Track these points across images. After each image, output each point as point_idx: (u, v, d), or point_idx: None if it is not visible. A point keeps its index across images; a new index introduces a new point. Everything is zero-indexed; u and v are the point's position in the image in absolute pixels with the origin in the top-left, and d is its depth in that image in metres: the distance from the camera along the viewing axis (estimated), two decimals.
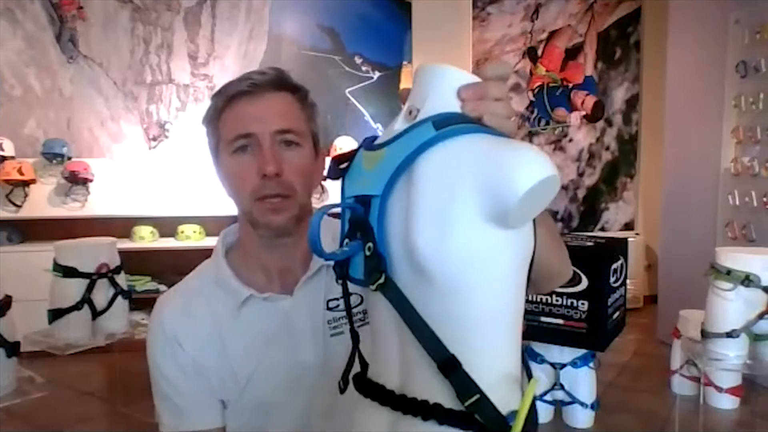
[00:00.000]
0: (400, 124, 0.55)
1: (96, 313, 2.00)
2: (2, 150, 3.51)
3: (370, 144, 0.58)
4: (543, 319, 2.28)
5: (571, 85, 4.49)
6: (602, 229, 4.64)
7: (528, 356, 2.40)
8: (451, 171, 0.48)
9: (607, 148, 4.59)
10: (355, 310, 0.76)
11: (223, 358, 0.85)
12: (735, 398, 2.58)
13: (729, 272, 1.71)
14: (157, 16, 3.94)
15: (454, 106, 0.53)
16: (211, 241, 3.60)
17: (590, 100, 4.49)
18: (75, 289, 1.94)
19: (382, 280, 0.51)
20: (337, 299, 0.86)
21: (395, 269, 0.52)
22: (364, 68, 4.30)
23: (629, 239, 2.79)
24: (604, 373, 2.61)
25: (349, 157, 0.61)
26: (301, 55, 4.16)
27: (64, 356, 1.96)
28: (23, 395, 1.65)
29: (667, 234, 3.65)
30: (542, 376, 2.40)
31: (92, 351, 2.04)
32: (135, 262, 3.21)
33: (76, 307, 1.94)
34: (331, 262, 0.64)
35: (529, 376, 0.55)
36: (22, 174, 3.44)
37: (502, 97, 0.53)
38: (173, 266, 3.57)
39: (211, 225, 3.74)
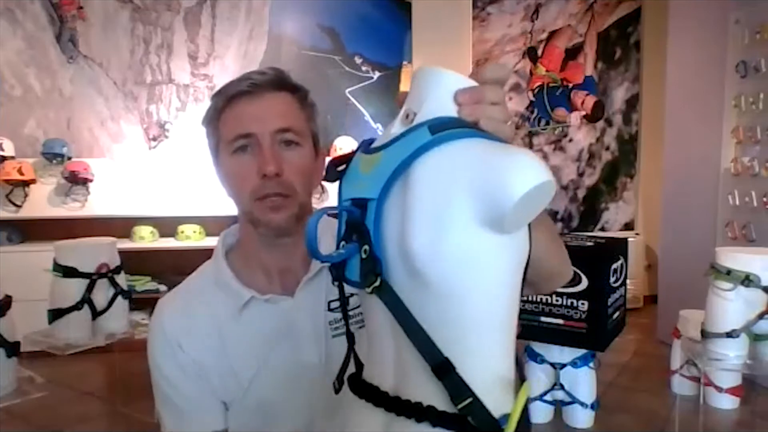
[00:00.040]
0: (396, 128, 0.55)
1: (96, 313, 2.00)
2: (2, 150, 3.52)
3: (367, 147, 0.58)
4: (543, 319, 2.28)
5: (571, 85, 4.49)
6: (602, 229, 4.64)
7: (528, 356, 2.41)
8: (447, 175, 0.48)
9: (607, 148, 4.59)
10: (354, 312, 0.76)
11: (224, 360, 0.85)
12: (735, 398, 2.58)
13: (729, 272, 1.71)
14: (157, 16, 3.94)
15: (450, 110, 0.53)
16: (211, 241, 3.60)
17: (590, 100, 4.50)
18: (75, 289, 1.94)
19: (377, 283, 0.51)
20: (338, 300, 0.86)
21: (391, 272, 0.52)
22: (364, 68, 4.30)
23: (629, 239, 2.79)
24: (604, 373, 2.61)
25: (347, 159, 0.61)
26: (301, 55, 4.16)
27: (64, 356, 1.96)
28: (23, 395, 1.65)
29: (667, 234, 3.65)
30: (542, 376, 2.40)
31: (92, 351, 2.04)
32: (135, 262, 3.21)
33: (76, 307, 1.94)
34: None
35: (522, 379, 0.55)
36: (22, 174, 3.44)
37: (498, 101, 0.53)
38: (173, 266, 3.57)
39: (211, 225, 3.74)
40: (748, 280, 1.67)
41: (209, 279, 0.89)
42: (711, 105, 3.17)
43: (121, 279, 2.08)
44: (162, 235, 3.77)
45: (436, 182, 0.49)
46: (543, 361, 2.38)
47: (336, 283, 0.61)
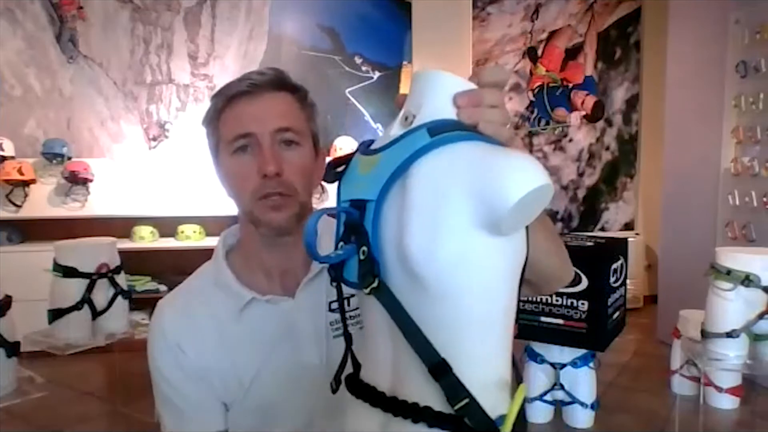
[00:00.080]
0: (395, 130, 0.56)
1: (96, 313, 2.00)
2: (2, 150, 3.52)
3: (366, 149, 0.58)
4: (543, 319, 2.28)
5: (571, 85, 4.49)
6: (602, 229, 4.64)
7: (528, 356, 2.41)
8: (445, 178, 0.48)
9: (607, 148, 4.60)
10: (354, 312, 0.76)
11: (225, 361, 0.85)
12: (735, 398, 2.58)
13: (729, 272, 1.71)
14: (157, 16, 3.94)
15: (449, 113, 0.53)
16: (211, 241, 3.60)
17: (590, 100, 4.50)
18: (75, 289, 1.95)
19: (375, 284, 0.52)
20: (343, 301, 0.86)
21: (389, 273, 0.52)
22: (364, 68, 4.30)
23: (629, 239, 2.80)
24: (604, 373, 2.61)
25: (346, 161, 0.61)
26: (301, 55, 4.16)
27: (64, 356, 1.96)
28: (23, 395, 1.65)
29: (667, 234, 3.65)
30: (542, 376, 2.40)
31: (92, 351, 2.04)
32: (135, 262, 3.21)
33: (76, 307, 1.94)
34: None
35: (519, 380, 0.55)
36: (22, 174, 3.44)
37: (497, 104, 0.53)
38: (173, 266, 3.57)
39: (211, 225, 3.74)
40: (748, 280, 1.67)
41: (209, 279, 0.89)
42: (711, 105, 3.17)
43: (121, 279, 2.08)
44: (162, 235, 3.77)
45: (434, 184, 0.49)
46: (543, 361, 2.38)
47: (334, 284, 0.61)
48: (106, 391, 2.92)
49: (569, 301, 2.22)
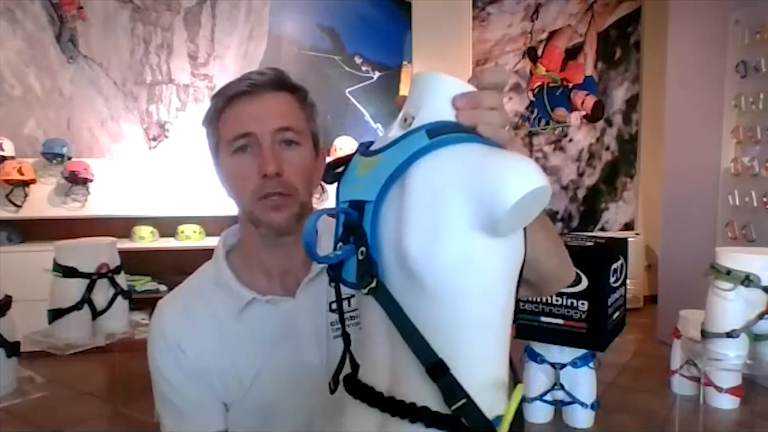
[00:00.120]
0: (395, 131, 0.56)
1: (96, 313, 2.00)
2: (2, 150, 3.52)
3: (365, 150, 0.58)
4: (543, 319, 2.28)
5: (571, 85, 4.49)
6: (602, 229, 4.64)
7: (528, 356, 2.41)
8: (443, 179, 0.49)
9: (607, 148, 4.60)
10: (354, 313, 0.76)
11: (225, 361, 0.85)
12: (735, 398, 2.58)
13: (729, 272, 1.71)
14: (157, 16, 3.94)
15: (448, 115, 0.53)
16: (211, 241, 3.60)
17: (590, 100, 4.50)
18: (75, 289, 1.94)
19: (373, 285, 0.52)
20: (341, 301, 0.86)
21: (387, 274, 0.52)
22: (364, 68, 4.30)
23: (629, 239, 2.80)
24: (604, 373, 2.61)
25: (345, 161, 0.61)
26: (301, 55, 4.16)
27: (64, 356, 1.96)
28: (23, 395, 1.65)
29: (667, 234, 3.65)
30: (542, 376, 2.40)
31: (92, 351, 2.04)
32: (135, 262, 3.21)
33: (76, 307, 1.94)
34: None
35: (516, 381, 0.55)
36: (22, 174, 3.44)
37: (496, 106, 0.54)
38: (173, 266, 3.57)
39: (211, 225, 3.74)
40: (748, 280, 1.67)
41: (209, 280, 0.89)
42: (711, 105, 3.17)
43: (121, 279, 2.08)
44: (162, 235, 3.77)
45: (432, 186, 0.49)
46: (543, 361, 2.38)
47: (333, 284, 0.61)
48: (106, 391, 2.92)
49: (569, 301, 2.22)
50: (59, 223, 3.47)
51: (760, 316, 1.67)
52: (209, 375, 0.85)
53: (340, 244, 0.56)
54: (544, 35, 4.45)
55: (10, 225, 3.53)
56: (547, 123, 4.51)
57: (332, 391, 0.65)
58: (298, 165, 0.82)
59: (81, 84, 3.83)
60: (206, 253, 0.93)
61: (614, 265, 2.29)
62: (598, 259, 2.22)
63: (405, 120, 0.55)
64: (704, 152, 3.24)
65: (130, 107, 3.93)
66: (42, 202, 3.61)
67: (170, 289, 0.95)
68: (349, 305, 0.78)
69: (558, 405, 2.44)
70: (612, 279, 2.26)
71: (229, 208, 0.86)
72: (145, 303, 2.97)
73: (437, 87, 0.55)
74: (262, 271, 0.88)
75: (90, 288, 1.96)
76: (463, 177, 0.48)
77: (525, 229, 0.53)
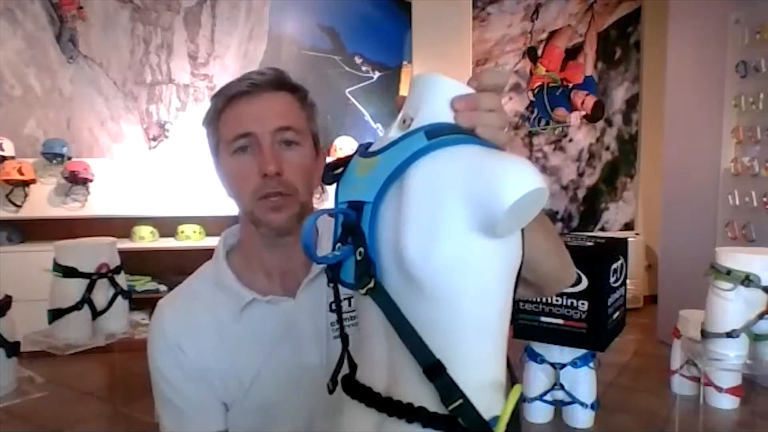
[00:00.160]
0: (393, 133, 0.56)
1: (96, 313, 2.00)
2: (2, 150, 3.52)
3: (364, 151, 0.58)
4: (543, 319, 2.28)
5: (571, 85, 4.49)
6: (602, 229, 4.64)
7: (528, 356, 2.41)
8: (441, 181, 0.49)
9: (607, 148, 4.60)
10: (354, 313, 0.76)
11: (225, 361, 0.85)
12: (735, 398, 2.58)
13: (729, 272, 1.71)
14: (157, 16, 3.94)
15: (447, 116, 0.54)
16: (211, 241, 3.60)
17: (590, 100, 4.50)
18: (75, 289, 1.95)
19: (371, 285, 0.52)
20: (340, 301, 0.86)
21: (385, 274, 0.53)
22: (364, 68, 4.30)
23: (629, 239, 2.80)
24: (604, 373, 2.61)
25: (344, 163, 0.62)
26: (301, 55, 4.16)
27: (64, 356, 1.96)
28: (23, 395, 1.65)
29: (667, 234, 3.65)
30: (542, 376, 2.41)
31: (92, 351, 2.04)
32: (135, 262, 3.21)
33: (76, 307, 1.94)
34: None
35: (514, 382, 0.55)
36: (22, 174, 3.44)
37: (495, 108, 0.54)
38: (173, 266, 3.57)
39: (211, 225, 3.74)
40: (748, 280, 1.67)
41: (209, 280, 0.89)
42: (711, 105, 3.17)
43: (121, 279, 2.08)
44: (162, 235, 3.77)
45: (430, 187, 0.49)
46: (543, 361, 2.38)
47: (331, 284, 0.61)
48: (106, 391, 2.92)
49: (569, 301, 2.22)
50: (59, 223, 3.47)
51: (760, 316, 1.67)
52: (209, 375, 0.85)
53: (339, 244, 0.57)
54: (544, 35, 4.45)
55: (10, 225, 3.53)
56: (547, 123, 4.51)
57: (331, 392, 0.65)
58: (299, 165, 0.82)
59: (81, 84, 3.83)
60: (206, 253, 0.93)
61: (614, 265, 2.29)
62: (598, 259, 2.22)
63: (404, 121, 0.56)
64: (704, 152, 3.24)
65: (130, 107, 3.93)
66: (42, 202, 3.61)
67: (170, 289, 0.95)
68: (350, 305, 0.78)
69: (558, 405, 2.44)
70: (612, 279, 2.26)
71: (229, 208, 0.86)
72: (145, 303, 2.97)
73: (436, 89, 0.55)
74: (262, 271, 0.88)
75: (90, 288, 1.96)
76: (461, 178, 0.48)
77: (523, 230, 0.54)
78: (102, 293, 2.01)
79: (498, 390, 0.53)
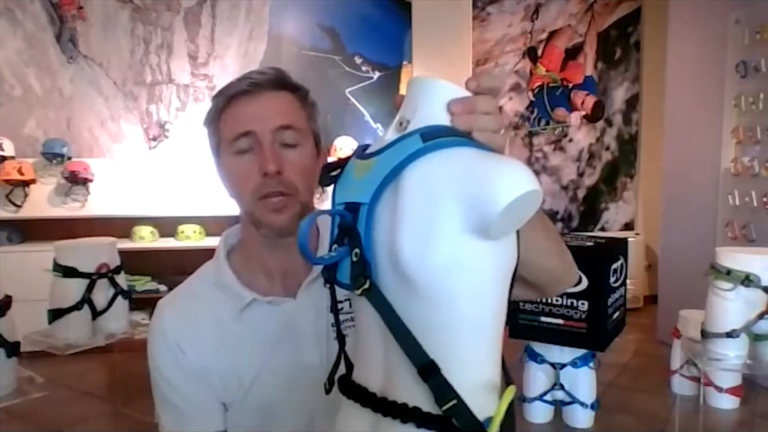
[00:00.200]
0: (390, 135, 0.57)
1: (96, 313, 2.00)
2: (2, 150, 3.52)
3: (361, 153, 0.59)
4: (543, 319, 2.28)
5: (571, 85, 4.49)
6: (602, 229, 4.64)
7: (528, 356, 2.41)
8: (436, 183, 0.49)
9: (607, 148, 4.60)
10: (354, 314, 0.76)
11: (225, 361, 0.84)
12: (735, 398, 2.58)
13: (729, 272, 1.71)
14: (157, 16, 3.94)
15: (443, 119, 0.54)
16: (210, 241, 3.61)
17: (590, 100, 4.50)
18: (75, 289, 1.95)
19: (366, 286, 0.52)
20: (341, 302, 0.86)
21: (380, 275, 0.53)
22: (364, 68, 4.30)
23: (629, 239, 2.80)
24: (604, 373, 2.61)
25: (341, 164, 0.62)
26: (301, 55, 4.16)
27: (64, 356, 1.96)
28: (23, 395, 1.65)
29: (667, 234, 3.66)
30: (542, 376, 2.41)
31: (92, 351, 2.04)
32: (135, 262, 3.21)
33: (76, 307, 1.94)
34: None
35: (508, 383, 0.56)
36: (22, 174, 3.44)
37: (491, 111, 0.54)
38: (173, 266, 3.57)
39: (211, 225, 3.74)
40: (748, 280, 1.67)
41: (210, 280, 0.89)
42: (711, 105, 3.17)
43: (121, 279, 2.09)
44: (162, 235, 3.77)
45: (425, 189, 0.50)
46: (543, 361, 2.38)
47: (328, 285, 0.62)
48: (106, 391, 2.92)
49: (569, 301, 2.22)
50: (59, 223, 3.47)
51: (760, 316, 1.67)
52: (209, 375, 0.85)
53: (335, 245, 0.57)
54: (544, 35, 4.45)
55: (10, 225, 3.53)
56: (547, 123, 4.51)
57: (327, 391, 0.65)
58: (299, 164, 0.82)
59: (81, 84, 3.83)
60: (206, 253, 0.93)
61: (614, 265, 2.29)
62: (598, 259, 2.22)
63: (400, 124, 0.56)
64: (704, 152, 3.24)
65: (130, 107, 3.94)
66: (42, 202, 3.61)
67: (170, 289, 0.95)
68: (350, 306, 0.78)
69: (558, 405, 2.44)
70: (612, 279, 2.26)
71: (230, 208, 0.86)
72: (145, 303, 2.97)
73: (432, 92, 0.55)
74: (263, 271, 0.88)
75: (90, 288, 1.96)
76: (456, 180, 0.48)
77: (518, 231, 0.54)
78: (102, 293, 2.01)
79: (492, 391, 0.53)
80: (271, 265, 0.87)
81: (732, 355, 1.72)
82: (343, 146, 3.94)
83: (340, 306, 0.84)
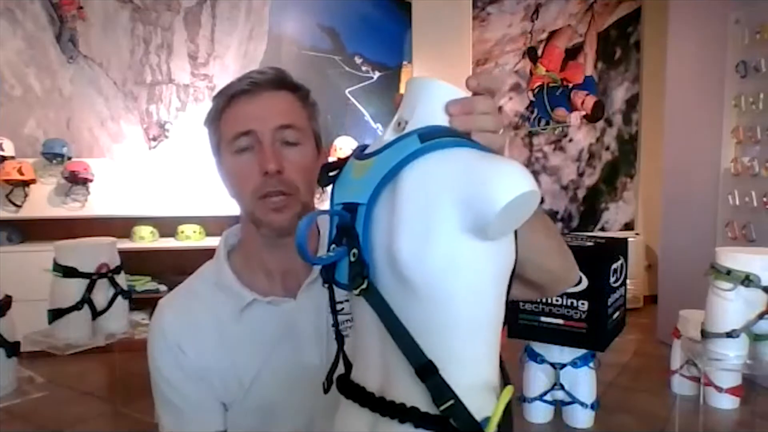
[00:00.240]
0: (388, 135, 0.57)
1: (96, 313, 2.00)
2: (2, 150, 3.52)
3: (360, 153, 0.59)
4: (543, 319, 2.28)
5: (571, 85, 4.49)
6: (602, 229, 4.64)
7: (528, 356, 2.41)
8: (434, 183, 0.49)
9: (607, 148, 4.60)
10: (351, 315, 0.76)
11: (225, 361, 0.84)
12: (735, 398, 2.58)
13: (729, 272, 1.71)
14: (157, 16, 3.94)
15: (441, 120, 0.54)
16: (210, 241, 3.61)
17: (590, 100, 4.50)
18: (75, 289, 1.95)
19: (364, 286, 0.52)
20: (341, 302, 0.86)
21: (378, 275, 0.53)
22: (364, 68, 4.30)
23: (629, 239, 2.80)
24: (604, 373, 2.61)
25: (339, 165, 0.62)
26: (301, 55, 4.16)
27: (64, 356, 1.96)
28: (23, 395, 1.66)
29: (667, 234, 3.66)
30: (542, 376, 2.41)
31: (92, 351, 2.05)
32: (135, 262, 3.21)
33: (76, 307, 1.94)
34: None
35: (506, 383, 0.56)
36: (22, 174, 3.44)
37: (489, 111, 0.54)
38: (173, 266, 3.57)
39: (211, 225, 3.74)
40: (748, 280, 1.67)
41: (210, 280, 0.89)
42: (711, 105, 3.17)
43: (121, 279, 2.09)
44: (162, 235, 3.77)
45: (423, 189, 0.50)
46: (543, 361, 2.38)
47: (326, 285, 0.62)
48: (106, 391, 2.92)
49: (569, 301, 2.22)
50: (59, 223, 3.47)
51: (760, 316, 1.67)
52: (209, 375, 0.85)
53: (333, 245, 0.57)
54: (544, 35, 4.45)
55: (10, 225, 3.53)
56: (547, 123, 4.51)
57: (326, 391, 0.65)
58: (299, 163, 0.81)
59: (81, 84, 3.83)
60: (206, 253, 0.93)
61: (614, 265, 2.29)
62: (598, 259, 2.22)
63: (399, 124, 0.56)
64: (704, 152, 3.25)
65: (130, 107, 3.94)
66: (42, 202, 3.61)
67: (170, 289, 0.95)
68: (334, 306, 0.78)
69: (558, 405, 2.44)
70: (612, 279, 2.26)
71: (230, 208, 0.86)
72: (145, 303, 2.97)
73: (430, 92, 0.55)
74: (263, 271, 0.87)
75: (90, 288, 1.96)
76: (454, 181, 0.48)
77: (516, 231, 0.54)
78: (102, 293, 2.01)
79: (490, 391, 0.53)
80: (271, 265, 0.87)
81: (732, 355, 1.72)
82: (343, 146, 3.94)
83: (340, 306, 0.85)
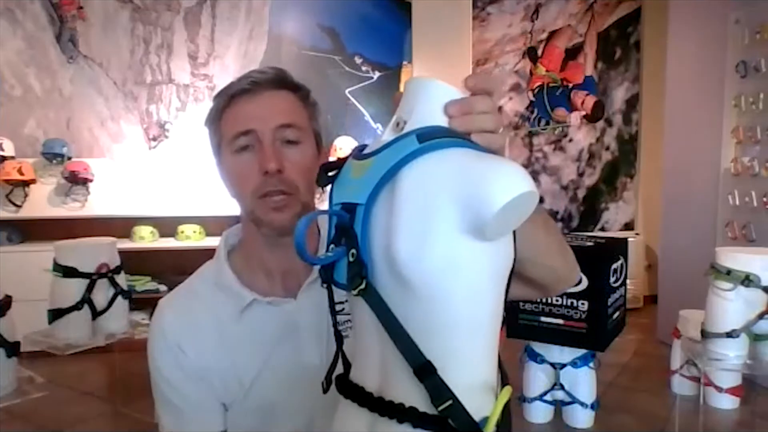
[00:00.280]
0: (387, 135, 0.57)
1: (96, 313, 2.00)
2: (2, 150, 3.52)
3: (359, 153, 0.59)
4: (543, 319, 2.28)
5: (571, 85, 4.49)
6: (602, 229, 4.64)
7: (528, 356, 2.41)
8: (432, 183, 0.49)
9: (607, 148, 4.60)
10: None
11: (225, 361, 0.84)
12: (735, 398, 2.58)
13: (729, 272, 1.71)
14: (157, 16, 3.94)
15: (439, 120, 0.54)
16: (210, 241, 3.61)
17: (590, 100, 4.50)
18: (75, 289, 1.95)
19: (363, 286, 0.52)
20: (342, 303, 0.86)
21: (376, 276, 0.53)
22: (364, 68, 4.30)
23: (629, 239, 2.80)
24: (604, 373, 2.61)
25: (338, 165, 0.62)
26: (301, 55, 4.16)
27: (64, 356, 1.96)
28: (23, 395, 1.66)
29: (667, 234, 3.66)
30: (542, 376, 2.41)
31: (92, 351, 2.05)
32: (135, 262, 3.21)
33: (76, 307, 1.94)
34: None
35: (505, 383, 0.56)
36: (22, 174, 3.44)
37: (488, 111, 0.54)
38: (173, 266, 3.57)
39: (211, 225, 3.74)
40: (748, 280, 1.67)
41: (210, 280, 0.89)
42: (711, 105, 3.17)
43: (121, 279, 2.09)
44: (162, 235, 3.77)
45: (421, 190, 0.50)
46: (543, 361, 2.38)
47: (325, 285, 0.62)
48: (106, 391, 2.92)
49: (569, 301, 2.22)
50: (59, 223, 3.47)
51: (760, 316, 1.67)
52: (209, 375, 0.85)
53: (332, 246, 0.57)
54: (544, 35, 4.45)
55: (10, 225, 3.53)
56: (547, 123, 4.51)
57: (325, 391, 0.65)
58: (300, 163, 0.81)
59: (81, 84, 3.83)
60: (206, 253, 0.93)
61: (614, 265, 2.29)
62: (598, 259, 2.22)
63: (397, 124, 0.56)
64: (704, 152, 3.25)
65: (130, 107, 3.94)
66: (42, 202, 3.61)
67: (170, 289, 0.95)
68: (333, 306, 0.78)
69: (558, 405, 2.44)
70: (612, 279, 2.26)
71: (230, 208, 0.86)
72: (145, 303, 2.97)
73: (429, 92, 0.55)
74: (263, 271, 0.87)
75: (90, 288, 1.96)
76: (452, 181, 0.48)
77: (515, 232, 0.54)
78: (102, 293, 2.01)
79: (489, 391, 0.53)
80: (271, 265, 0.87)
81: (732, 355, 1.72)
82: (343, 146, 3.94)
83: (339, 306, 0.85)
